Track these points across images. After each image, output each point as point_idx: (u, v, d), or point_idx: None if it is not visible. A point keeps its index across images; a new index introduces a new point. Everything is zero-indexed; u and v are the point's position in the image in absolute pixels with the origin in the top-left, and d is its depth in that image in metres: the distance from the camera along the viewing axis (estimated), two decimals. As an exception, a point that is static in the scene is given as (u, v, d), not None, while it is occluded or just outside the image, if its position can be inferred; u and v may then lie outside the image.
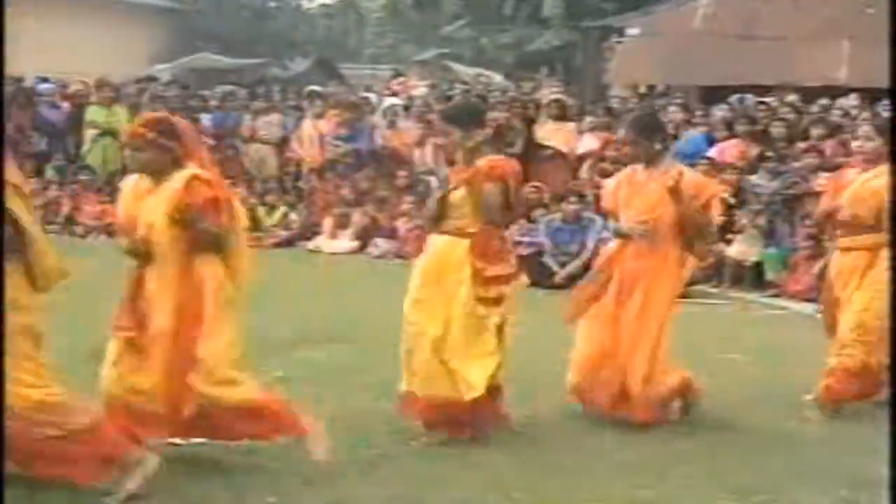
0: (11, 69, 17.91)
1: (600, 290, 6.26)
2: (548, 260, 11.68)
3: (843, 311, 6.62)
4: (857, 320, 6.51)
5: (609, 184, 6.53)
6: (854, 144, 6.95)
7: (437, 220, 5.78)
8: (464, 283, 5.57)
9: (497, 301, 5.62)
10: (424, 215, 6.43)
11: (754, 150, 12.54)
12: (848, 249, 6.68)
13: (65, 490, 4.82)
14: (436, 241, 5.76)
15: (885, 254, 6.47)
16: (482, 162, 5.72)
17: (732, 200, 12.12)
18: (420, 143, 14.52)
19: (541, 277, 11.54)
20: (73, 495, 4.81)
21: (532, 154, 13.94)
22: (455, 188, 5.71)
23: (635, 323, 6.11)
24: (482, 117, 6.05)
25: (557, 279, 11.45)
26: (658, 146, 6.21)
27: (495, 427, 5.87)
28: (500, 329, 5.69)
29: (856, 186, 6.61)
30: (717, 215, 6.36)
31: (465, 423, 5.71)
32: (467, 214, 5.67)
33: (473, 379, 5.58)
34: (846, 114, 13.46)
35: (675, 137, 12.15)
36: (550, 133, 13.86)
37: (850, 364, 6.52)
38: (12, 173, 4.64)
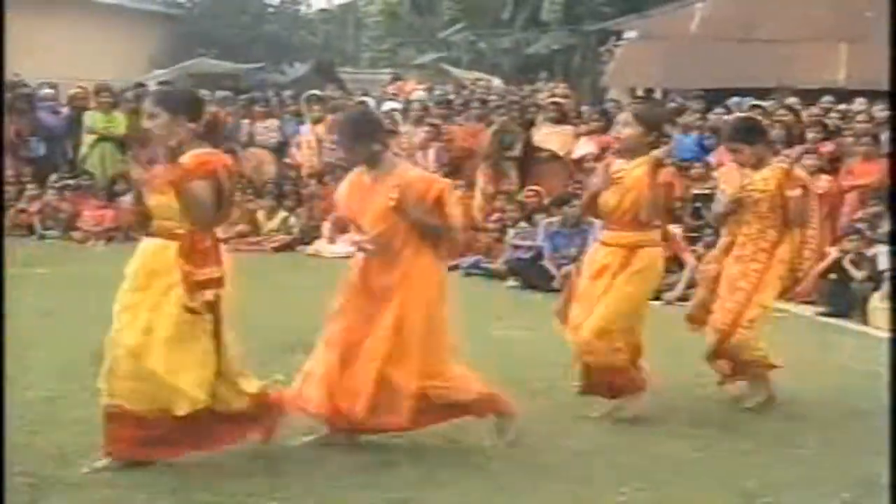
0: (10, 74, 17.95)
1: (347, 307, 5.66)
2: (546, 264, 11.67)
3: (587, 308, 6.34)
4: (599, 324, 6.26)
5: (340, 189, 5.90)
6: (612, 132, 7.05)
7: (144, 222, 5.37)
8: (172, 289, 5.09)
9: (209, 306, 5.12)
10: None
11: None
12: (606, 244, 6.42)
13: (64, 488, 4.84)
14: (145, 244, 5.33)
15: (644, 254, 6.28)
16: (188, 157, 5.22)
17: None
18: (422, 147, 14.52)
19: (539, 281, 11.56)
20: (74, 493, 4.83)
21: (530, 157, 13.96)
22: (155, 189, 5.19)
23: (387, 341, 5.50)
24: (197, 107, 5.44)
25: (556, 282, 11.44)
26: (377, 147, 5.61)
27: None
28: (215, 334, 5.18)
29: (620, 175, 6.33)
30: (454, 210, 5.65)
31: (178, 442, 5.25)
32: (174, 215, 5.19)
33: (186, 389, 5.10)
34: (843, 116, 13.47)
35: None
36: (548, 136, 13.87)
37: (593, 364, 6.40)
38: None
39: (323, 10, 40.06)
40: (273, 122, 15.76)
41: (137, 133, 15.60)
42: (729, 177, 6.87)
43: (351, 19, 40.71)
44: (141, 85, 18.70)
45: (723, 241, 6.96)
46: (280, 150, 15.62)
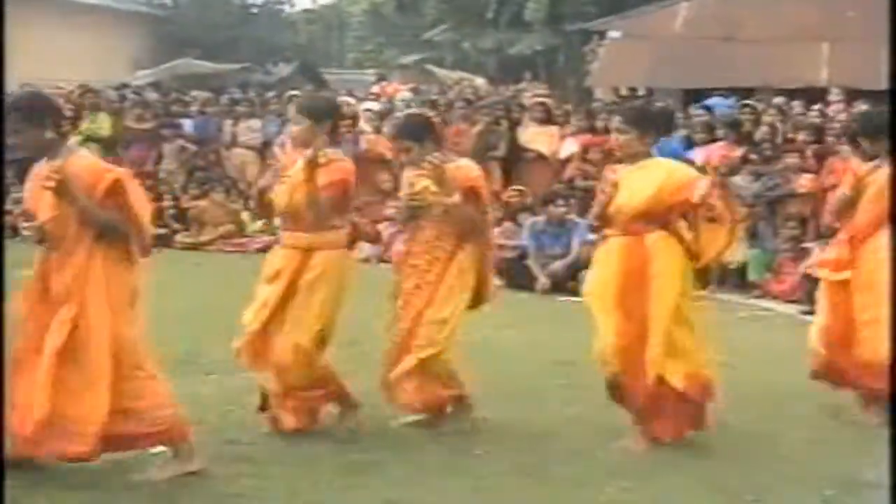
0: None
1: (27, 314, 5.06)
2: (531, 263, 11.69)
3: (260, 312, 5.74)
4: (296, 341, 5.66)
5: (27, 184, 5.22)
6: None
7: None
8: None
9: None
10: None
11: (738, 153, 12.60)
12: (283, 246, 5.86)
13: (64, 486, 4.84)
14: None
15: (321, 257, 5.69)
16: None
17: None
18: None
19: (523, 281, 11.57)
20: (71, 489, 4.83)
21: (515, 157, 13.97)
22: None
23: (54, 362, 4.90)
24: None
25: (540, 282, 11.47)
26: (50, 134, 5.01)
27: None
28: None
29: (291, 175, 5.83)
30: (137, 204, 4.98)
31: None
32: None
33: None
34: (823, 115, 13.52)
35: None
36: (534, 136, 13.89)
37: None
38: None
39: (307, 11, 40.05)
40: (256, 123, 15.75)
41: (121, 134, 15.63)
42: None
43: (335, 20, 40.71)
44: (125, 86, 18.69)
45: None
46: (263, 150, 15.59)
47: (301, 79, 25.46)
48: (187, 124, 15.90)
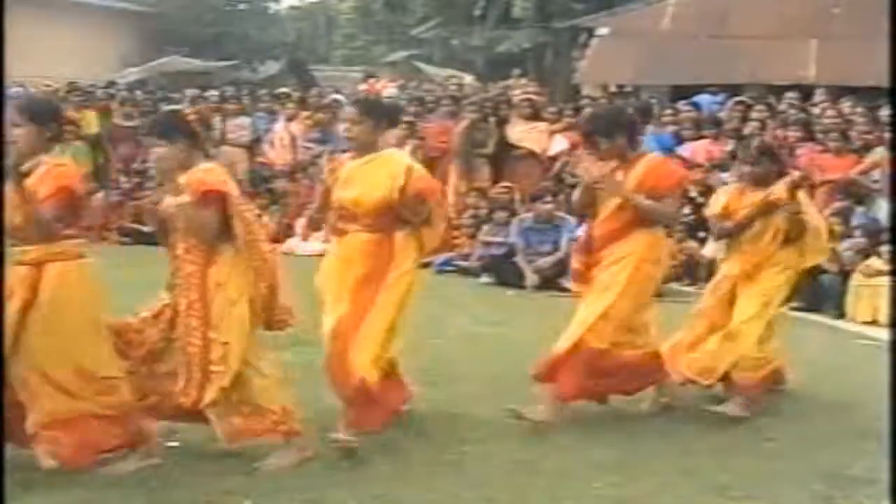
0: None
1: None
2: (519, 260, 11.69)
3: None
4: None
5: None
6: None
7: None
8: None
9: None
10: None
11: (726, 149, 12.63)
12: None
13: (54, 484, 4.83)
14: None
15: (53, 270, 5.04)
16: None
17: (702, 199, 12.20)
18: (398, 145, 14.49)
19: (511, 278, 11.58)
20: (61, 487, 4.82)
21: (504, 154, 13.97)
22: None
23: None
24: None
25: (529, 279, 11.47)
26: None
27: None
28: None
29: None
30: None
31: None
32: None
33: None
34: (803, 109, 13.54)
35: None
36: (522, 133, 13.89)
37: None
38: None
39: (294, 8, 40.00)
40: (245, 120, 15.73)
41: (109, 132, 15.61)
42: None
43: (323, 17, 40.67)
44: (112, 84, 18.66)
45: None
46: (252, 147, 15.59)
47: (288, 76, 25.45)
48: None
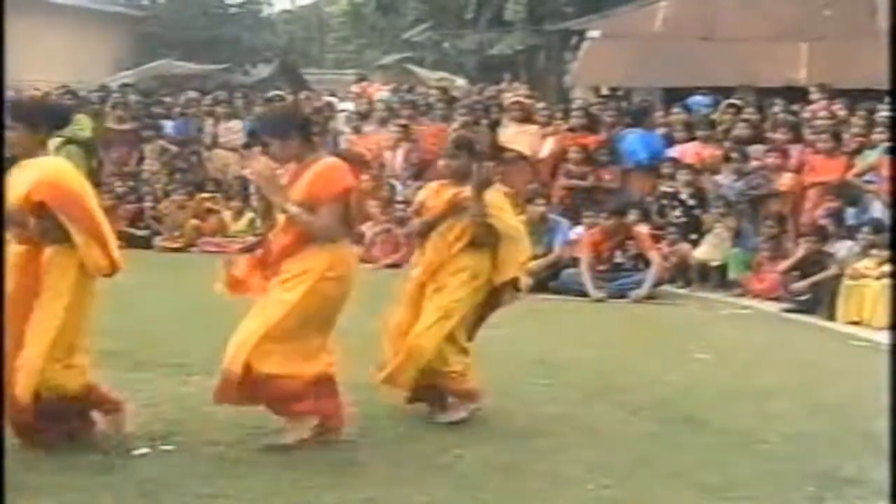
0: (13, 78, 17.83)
1: None
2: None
3: None
4: None
5: None
6: None
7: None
8: None
9: None
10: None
11: (716, 152, 12.68)
12: None
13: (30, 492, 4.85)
14: None
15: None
16: None
17: (692, 201, 12.25)
18: (391, 148, 14.53)
19: (505, 280, 11.59)
20: (53, 488, 4.84)
21: (495, 157, 13.98)
22: None
23: None
24: None
25: (521, 282, 11.46)
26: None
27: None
28: None
29: None
30: None
31: None
32: None
33: None
34: (792, 112, 13.57)
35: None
36: (515, 136, 13.91)
37: None
38: None
39: (286, 12, 40.00)
40: (237, 123, 15.73)
41: (102, 135, 15.60)
42: None
43: (315, 20, 40.66)
44: (105, 87, 18.64)
45: None
46: (245, 150, 15.57)
47: (281, 79, 25.44)
48: (168, 125, 15.89)
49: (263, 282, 5.62)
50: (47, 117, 5.36)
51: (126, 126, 15.61)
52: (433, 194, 6.29)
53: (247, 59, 30.81)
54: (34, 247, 5.27)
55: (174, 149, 15.47)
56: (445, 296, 6.08)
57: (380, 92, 18.75)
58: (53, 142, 15.60)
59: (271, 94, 17.02)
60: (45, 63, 22.04)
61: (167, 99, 17.28)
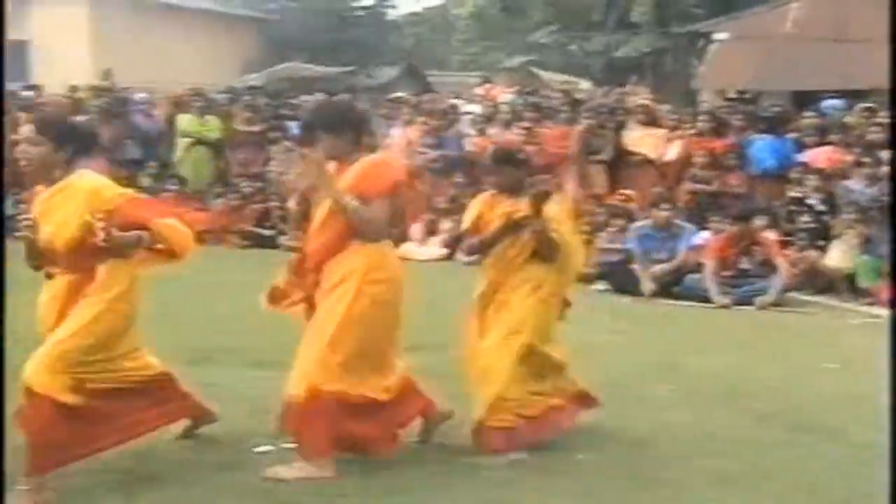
0: (102, 76, 18.32)
1: None
2: (636, 268, 11.58)
3: None
4: None
5: None
6: None
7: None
8: None
9: None
10: None
11: (847, 157, 12.37)
12: None
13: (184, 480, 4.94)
14: None
15: None
16: None
17: (822, 207, 11.96)
18: (519, 149, 14.49)
19: (627, 285, 11.48)
20: (191, 476, 4.92)
21: (621, 160, 13.87)
22: None
23: None
24: None
25: (645, 286, 11.36)
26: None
27: None
28: None
29: None
30: None
31: None
32: None
33: None
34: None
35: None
36: (641, 140, 13.78)
37: None
38: None
39: (412, 14, 40.26)
40: (362, 126, 15.85)
41: (230, 137, 15.90)
42: None
43: (440, 22, 40.86)
44: (234, 89, 18.99)
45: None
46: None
47: (405, 81, 25.62)
48: (294, 127, 16.11)
49: (304, 292, 5.43)
50: (73, 136, 5.08)
51: (254, 128, 15.87)
52: (487, 207, 5.98)
53: (372, 62, 31.10)
54: (86, 272, 5.00)
55: (300, 150, 15.65)
56: (510, 312, 5.78)
57: (504, 94, 18.75)
58: (183, 142, 16.22)
59: (395, 95, 17.13)
60: (176, 66, 22.54)
61: (294, 101, 17.51)
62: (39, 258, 5.07)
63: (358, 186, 5.29)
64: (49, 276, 5.08)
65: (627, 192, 13.13)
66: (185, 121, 15.75)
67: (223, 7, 30.68)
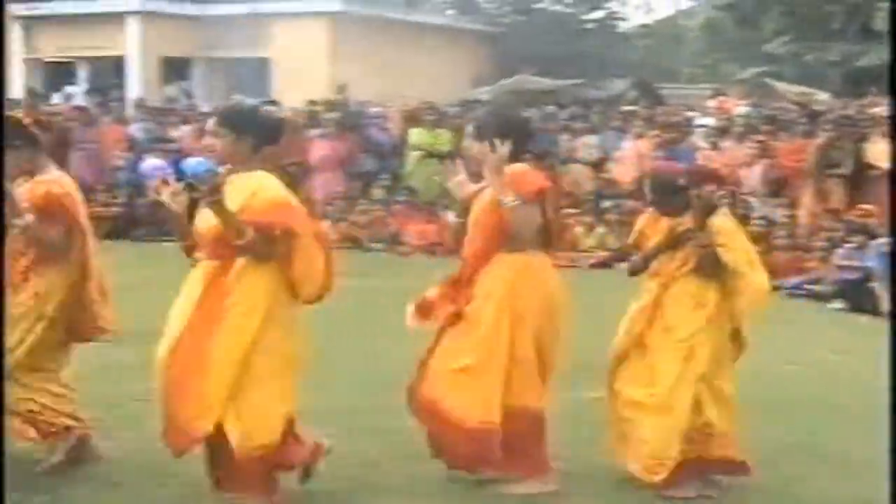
0: (336, 91, 18.85)
1: None
2: (876, 286, 11.11)
3: None
4: None
5: None
6: None
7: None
8: None
9: None
10: None
11: None
12: None
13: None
14: None
15: None
16: None
17: None
18: (748, 164, 14.20)
19: (866, 304, 11.05)
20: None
21: (862, 175, 13.36)
22: None
23: None
24: None
25: (885, 306, 10.89)
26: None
27: None
28: None
29: None
30: None
31: None
32: None
33: None
34: None
35: None
36: (882, 153, 13.22)
37: None
38: None
39: (642, 26, 39.91)
40: (593, 138, 15.83)
41: (461, 150, 16.12)
42: None
43: (670, 34, 40.34)
44: (465, 103, 19.24)
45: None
46: (599, 165, 15.67)
47: (635, 94, 25.37)
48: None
49: (452, 306, 5.37)
50: (257, 127, 5.12)
51: (482, 140, 16.01)
52: (651, 223, 5.73)
53: (601, 74, 30.96)
54: (225, 262, 4.99)
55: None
56: (678, 333, 5.46)
57: (738, 107, 18.34)
58: (414, 155, 16.54)
59: (628, 108, 17.00)
60: (409, 80, 23.01)
61: (525, 114, 17.59)
62: (190, 242, 5.15)
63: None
64: (192, 260, 5.14)
65: (867, 206, 12.62)
66: (416, 134, 16.05)
67: (456, 22, 31.09)
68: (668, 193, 5.65)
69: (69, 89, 23.46)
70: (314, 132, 16.22)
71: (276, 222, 4.89)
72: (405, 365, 5.61)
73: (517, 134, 5.55)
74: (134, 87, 24.02)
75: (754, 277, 5.41)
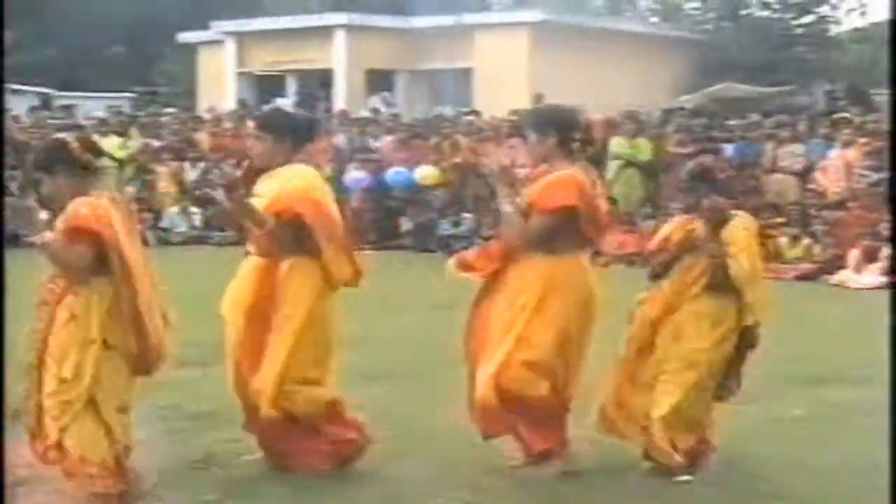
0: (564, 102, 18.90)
1: None
2: None
3: None
4: None
5: None
6: None
7: None
8: None
9: None
10: None
11: None
12: None
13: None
14: None
15: None
16: None
17: None
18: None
19: None
20: None
21: None
22: None
23: None
24: None
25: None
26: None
27: None
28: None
29: None
30: None
31: None
32: None
33: None
34: None
35: None
36: None
37: None
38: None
39: (856, 30, 38.58)
40: (798, 147, 15.41)
41: (662, 158, 15.93)
42: None
43: (885, 37, 38.91)
44: (670, 111, 19.03)
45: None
46: (804, 175, 15.24)
47: (845, 101, 24.58)
48: (728, 149, 15.87)
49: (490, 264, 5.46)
50: (294, 128, 5.46)
51: (686, 149, 15.80)
52: (679, 229, 5.63)
53: (810, 81, 30.09)
54: (272, 258, 5.30)
55: (732, 172, 15.43)
56: (686, 344, 5.42)
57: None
58: (613, 165, 16.48)
59: (839, 115, 16.49)
60: (610, 89, 22.87)
61: (730, 122, 17.28)
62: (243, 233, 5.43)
63: (534, 196, 5.33)
64: (246, 253, 5.45)
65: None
66: (616, 143, 15.95)
67: (658, 30, 30.71)
68: (705, 183, 5.62)
69: (279, 101, 24.27)
70: (513, 140, 16.29)
71: (283, 210, 5.16)
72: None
73: (561, 128, 5.50)
74: (340, 98, 24.65)
75: (754, 294, 5.41)
